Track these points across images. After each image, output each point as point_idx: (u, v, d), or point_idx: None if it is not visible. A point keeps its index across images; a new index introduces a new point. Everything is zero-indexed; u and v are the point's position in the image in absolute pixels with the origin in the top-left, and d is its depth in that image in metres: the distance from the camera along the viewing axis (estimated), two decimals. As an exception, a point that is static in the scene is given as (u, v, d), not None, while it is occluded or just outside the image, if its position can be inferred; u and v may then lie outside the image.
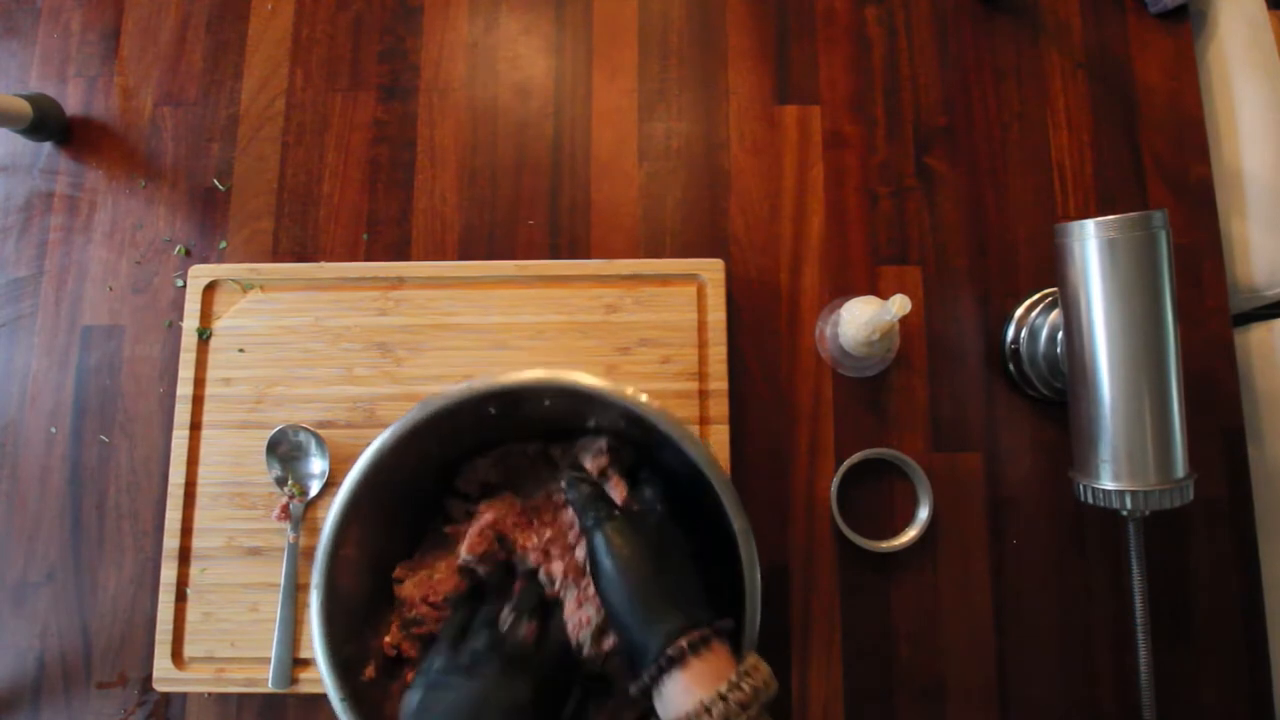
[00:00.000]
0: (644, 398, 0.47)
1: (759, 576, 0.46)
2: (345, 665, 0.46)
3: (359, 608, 0.49)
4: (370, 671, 0.47)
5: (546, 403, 0.49)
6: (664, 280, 0.62)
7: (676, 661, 0.40)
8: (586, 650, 0.47)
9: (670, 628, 0.41)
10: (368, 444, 0.47)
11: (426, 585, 0.50)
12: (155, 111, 0.68)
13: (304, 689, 0.57)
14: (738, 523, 0.46)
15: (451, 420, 0.48)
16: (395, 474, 0.48)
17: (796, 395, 0.62)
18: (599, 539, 0.45)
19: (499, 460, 0.54)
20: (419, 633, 0.50)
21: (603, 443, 0.52)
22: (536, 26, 0.68)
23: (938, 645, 0.59)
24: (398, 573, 0.51)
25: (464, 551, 0.50)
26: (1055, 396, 0.60)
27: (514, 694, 0.43)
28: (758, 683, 0.39)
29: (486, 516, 0.50)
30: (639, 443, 0.52)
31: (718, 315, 0.61)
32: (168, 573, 0.59)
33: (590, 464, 0.51)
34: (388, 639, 0.49)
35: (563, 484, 0.50)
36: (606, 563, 0.44)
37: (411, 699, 0.43)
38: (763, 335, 0.63)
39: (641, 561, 0.44)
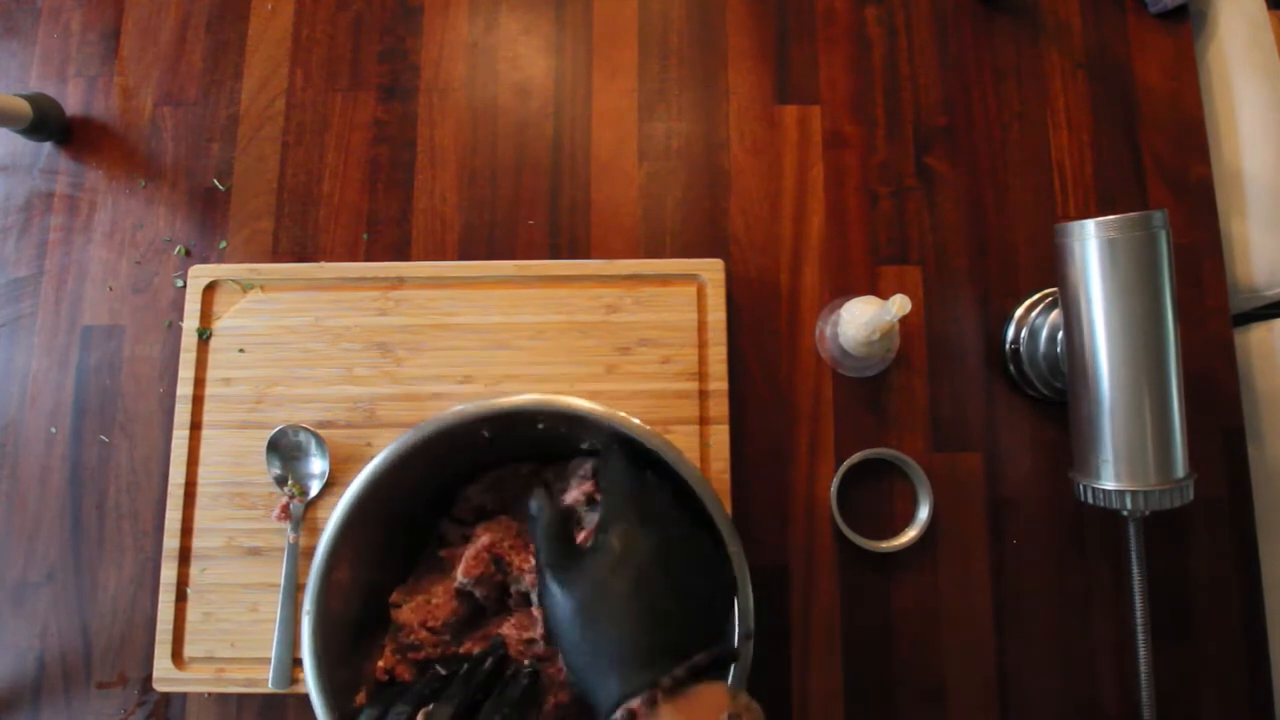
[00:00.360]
0: (635, 420, 0.47)
1: (752, 600, 0.45)
2: (337, 692, 0.45)
3: (351, 632, 0.48)
4: (361, 698, 0.47)
5: (540, 425, 0.49)
6: (664, 280, 0.62)
7: None
8: None
9: (617, 689, 0.37)
10: (367, 448, 0.47)
11: (425, 610, 0.50)
12: (155, 111, 0.68)
13: (304, 689, 0.57)
14: (731, 546, 0.45)
15: (445, 444, 0.48)
16: (389, 498, 0.48)
17: (796, 395, 0.62)
18: (545, 587, 0.42)
19: (492, 485, 0.54)
20: (416, 658, 0.49)
21: (588, 467, 0.51)
22: (536, 26, 0.68)
23: (938, 645, 0.59)
24: (394, 597, 0.50)
25: (460, 574, 0.49)
26: (1055, 396, 0.60)
27: None
28: None
29: (483, 539, 0.50)
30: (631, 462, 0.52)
31: (718, 315, 0.61)
32: (168, 573, 0.59)
33: (576, 490, 0.50)
34: (380, 664, 0.49)
35: (529, 507, 0.47)
36: (550, 614, 0.42)
37: None
38: (763, 335, 0.63)
39: (582, 613, 0.40)
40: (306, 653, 0.45)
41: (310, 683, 0.45)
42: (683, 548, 0.43)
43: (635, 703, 0.36)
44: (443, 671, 0.47)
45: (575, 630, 0.40)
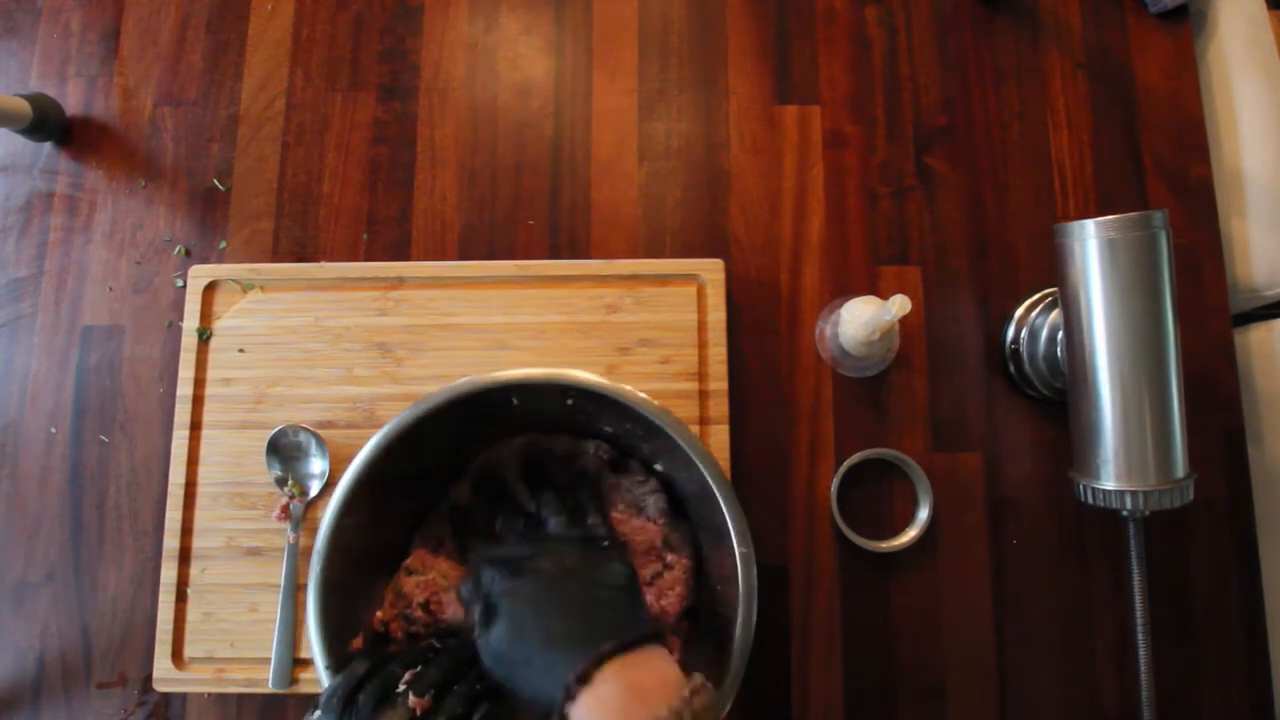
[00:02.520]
0: (642, 394, 0.48)
1: (755, 600, 0.46)
2: (335, 634, 0.47)
3: (355, 580, 0.49)
4: (358, 643, 0.48)
5: (569, 401, 0.49)
6: (664, 280, 0.62)
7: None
8: None
9: (568, 666, 0.38)
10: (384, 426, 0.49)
11: (427, 589, 0.50)
12: (155, 111, 0.68)
13: (304, 689, 0.57)
14: (740, 548, 0.46)
15: (463, 411, 0.49)
16: (402, 461, 0.49)
17: (796, 395, 0.62)
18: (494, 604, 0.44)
19: (478, 481, 0.54)
20: (411, 630, 0.50)
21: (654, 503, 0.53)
22: (536, 26, 0.68)
23: (938, 645, 0.59)
24: (411, 562, 0.51)
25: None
26: (1055, 396, 0.60)
27: None
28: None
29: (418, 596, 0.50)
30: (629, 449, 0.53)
31: (718, 315, 0.61)
32: (168, 573, 0.59)
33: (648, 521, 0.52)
34: (379, 614, 0.49)
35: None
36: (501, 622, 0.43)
37: None
38: (763, 335, 0.63)
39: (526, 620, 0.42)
40: (311, 593, 0.46)
41: (311, 622, 0.46)
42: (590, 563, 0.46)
43: (582, 666, 0.38)
44: (437, 645, 0.48)
45: (520, 636, 0.42)
